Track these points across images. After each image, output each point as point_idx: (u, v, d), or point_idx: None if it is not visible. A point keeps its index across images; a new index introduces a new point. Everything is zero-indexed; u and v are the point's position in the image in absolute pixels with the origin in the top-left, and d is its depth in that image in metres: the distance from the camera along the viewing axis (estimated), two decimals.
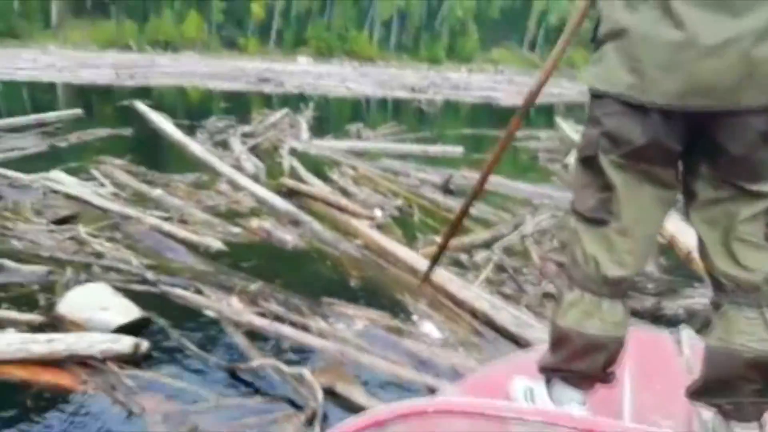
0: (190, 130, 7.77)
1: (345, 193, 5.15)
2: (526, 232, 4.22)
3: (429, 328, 2.87)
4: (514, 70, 33.80)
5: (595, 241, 1.23)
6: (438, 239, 4.10)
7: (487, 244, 4.00)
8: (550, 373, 1.36)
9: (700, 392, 1.25)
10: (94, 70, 19.26)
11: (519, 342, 2.72)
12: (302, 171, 5.67)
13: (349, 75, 28.21)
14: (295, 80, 20.24)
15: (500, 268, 3.63)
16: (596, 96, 1.19)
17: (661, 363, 1.29)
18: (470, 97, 19.35)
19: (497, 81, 26.28)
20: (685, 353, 1.77)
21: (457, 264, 3.68)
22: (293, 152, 6.65)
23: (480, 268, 3.60)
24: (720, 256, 1.17)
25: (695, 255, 1.46)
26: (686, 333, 1.93)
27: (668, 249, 3.96)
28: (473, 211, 4.90)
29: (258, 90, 16.73)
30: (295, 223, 4.25)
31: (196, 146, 6.64)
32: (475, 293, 3.15)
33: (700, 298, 3.09)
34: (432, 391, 2.25)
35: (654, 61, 1.07)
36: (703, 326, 1.83)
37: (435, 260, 2.33)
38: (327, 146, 7.33)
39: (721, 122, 1.08)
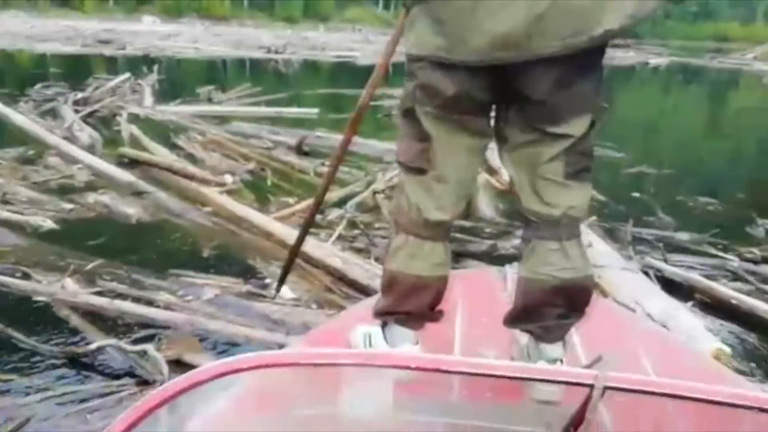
0: (11, 100, 6.91)
1: (193, 159, 4.94)
2: (377, 189, 4.33)
3: (282, 290, 2.88)
4: (370, 28, 33.89)
5: (417, 189, 1.30)
6: (291, 201, 4.10)
7: (341, 203, 4.06)
8: (383, 316, 1.41)
9: (514, 319, 1.37)
10: None
11: (370, 294, 2.81)
12: (145, 139, 5.33)
13: (200, 35, 26.52)
14: (140, 41, 18.69)
15: (353, 224, 3.71)
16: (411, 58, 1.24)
17: (489, 298, 1.39)
18: (328, 57, 19.15)
19: (355, 40, 26.23)
20: (509, 287, 1.94)
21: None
22: (135, 119, 6.23)
23: (334, 226, 3.66)
24: (527, 195, 1.27)
25: None
26: (511, 269, 2.11)
27: (506, 194, 4.28)
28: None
29: (97, 53, 15.25)
30: (138, 194, 4.00)
31: (18, 117, 5.94)
32: (327, 251, 3.20)
33: None
34: (282, 347, 2.27)
35: (454, 21, 1.13)
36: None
37: (290, 262, 2.30)
38: (174, 111, 6.94)
39: (522, 71, 1.16)
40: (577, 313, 1.32)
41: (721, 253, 3.53)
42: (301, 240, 2.30)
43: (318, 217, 3.80)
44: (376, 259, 3.23)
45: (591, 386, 0.76)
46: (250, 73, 14.45)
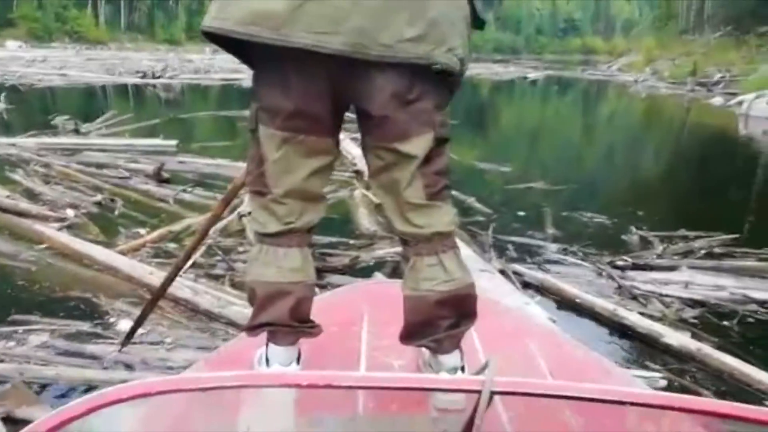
0: None
1: (31, 195, 4.52)
2: (243, 212, 4.18)
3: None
4: None
5: (258, 209, 1.29)
6: (143, 232, 3.86)
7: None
8: (251, 331, 1.34)
9: (407, 336, 1.34)
10: None
11: (222, 322, 2.71)
12: None
13: (70, 60, 25.04)
14: None
15: (212, 250, 3.55)
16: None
17: (394, 309, 1.36)
18: (212, 80, 18.68)
19: (241, 63, 25.78)
20: None
21: (166, 254, 3.49)
22: None
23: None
24: (396, 219, 1.27)
25: None
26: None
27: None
28: (187, 197, 4.73)
29: None
30: None
31: None
32: (177, 282, 3.02)
33: (389, 249, 3.43)
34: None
35: None
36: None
37: (149, 310, 2.17)
38: (15, 144, 6.38)
39: (358, 88, 1.15)
40: (467, 321, 1.32)
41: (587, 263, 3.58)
42: (164, 289, 2.20)
43: (174, 246, 3.61)
44: (233, 285, 3.11)
45: (479, 392, 0.75)
46: (133, 99, 13.73)
